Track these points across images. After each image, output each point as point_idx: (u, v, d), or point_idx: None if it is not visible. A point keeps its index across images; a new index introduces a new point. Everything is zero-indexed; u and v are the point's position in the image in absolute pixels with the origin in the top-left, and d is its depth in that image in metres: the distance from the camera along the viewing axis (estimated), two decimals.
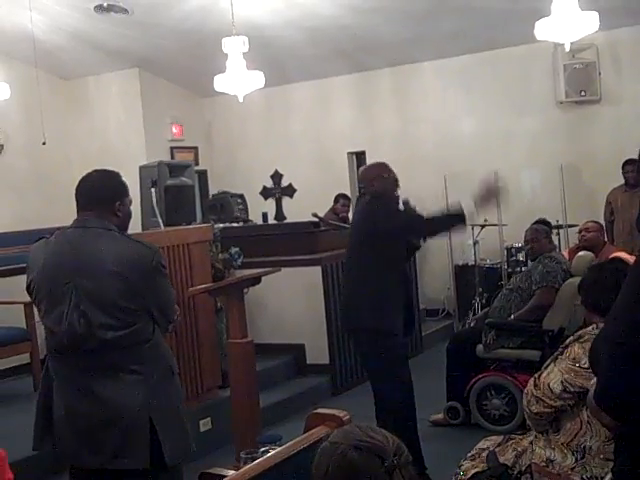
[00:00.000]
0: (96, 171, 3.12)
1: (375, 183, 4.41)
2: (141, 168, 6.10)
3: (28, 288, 3.05)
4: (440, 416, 5.40)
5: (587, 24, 5.30)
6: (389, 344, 4.29)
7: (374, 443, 1.64)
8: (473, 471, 3.09)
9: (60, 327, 2.92)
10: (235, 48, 6.37)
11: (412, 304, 4.64)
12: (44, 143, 7.71)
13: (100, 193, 3.03)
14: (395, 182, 4.46)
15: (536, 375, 3.04)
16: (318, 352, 6.53)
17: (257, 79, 6.60)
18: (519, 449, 3.06)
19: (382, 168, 4.52)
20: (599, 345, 1.70)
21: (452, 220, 4.32)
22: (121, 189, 3.09)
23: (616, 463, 1.86)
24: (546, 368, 3.02)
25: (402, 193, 4.50)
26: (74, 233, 3.01)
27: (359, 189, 7.08)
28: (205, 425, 5.25)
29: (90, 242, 2.95)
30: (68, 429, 2.97)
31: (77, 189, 3.07)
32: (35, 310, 5.79)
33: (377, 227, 4.26)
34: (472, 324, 6.63)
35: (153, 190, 5.65)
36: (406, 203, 4.48)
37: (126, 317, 2.91)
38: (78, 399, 2.94)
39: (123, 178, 3.15)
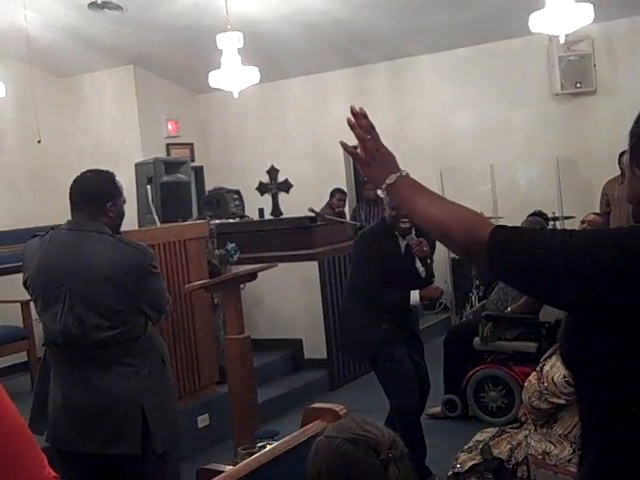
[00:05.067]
0: (89, 171, 3.14)
1: None
2: (137, 165, 6.09)
3: (25, 284, 3.13)
4: (438, 409, 5.41)
5: (582, 16, 5.31)
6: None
7: (369, 436, 1.64)
8: (470, 463, 3.10)
9: (55, 326, 3.01)
10: (230, 44, 6.37)
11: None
12: (39, 141, 7.69)
13: (92, 194, 3.06)
14: None
15: (537, 368, 3.00)
16: (315, 347, 6.54)
17: (252, 75, 6.60)
18: (514, 442, 3.07)
19: None
20: None
21: None
22: (113, 190, 3.11)
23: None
24: (548, 359, 2.98)
25: None
26: (68, 235, 3.06)
27: None
28: (203, 421, 5.25)
29: (83, 245, 3.01)
30: (64, 417, 3.07)
31: (70, 189, 3.10)
32: (32, 309, 5.85)
33: None
34: (469, 317, 6.64)
35: (149, 187, 5.66)
36: None
37: (119, 317, 2.99)
38: (75, 389, 3.04)
39: (117, 178, 3.16)
